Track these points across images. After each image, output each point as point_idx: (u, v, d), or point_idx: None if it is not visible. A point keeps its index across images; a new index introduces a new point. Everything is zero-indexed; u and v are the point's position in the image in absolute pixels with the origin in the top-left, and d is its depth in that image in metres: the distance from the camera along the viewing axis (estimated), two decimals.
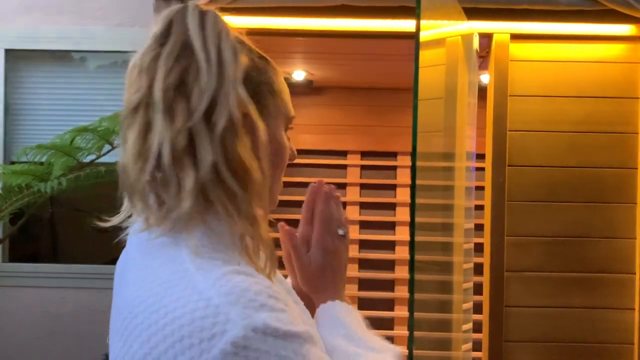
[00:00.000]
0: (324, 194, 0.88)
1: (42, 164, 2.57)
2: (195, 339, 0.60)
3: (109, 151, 2.69)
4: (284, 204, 3.58)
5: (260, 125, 0.69)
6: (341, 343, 0.76)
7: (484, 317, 2.13)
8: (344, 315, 0.81)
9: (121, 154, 0.68)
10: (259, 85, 0.72)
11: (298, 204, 3.38)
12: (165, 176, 0.65)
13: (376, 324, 2.96)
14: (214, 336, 0.60)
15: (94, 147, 2.59)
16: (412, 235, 1.87)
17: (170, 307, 0.63)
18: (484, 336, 2.12)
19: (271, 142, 0.73)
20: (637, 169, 2.09)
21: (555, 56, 2.10)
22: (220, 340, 0.60)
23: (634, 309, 2.08)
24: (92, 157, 2.68)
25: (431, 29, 2.09)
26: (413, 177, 1.88)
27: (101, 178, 2.52)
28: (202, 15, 0.68)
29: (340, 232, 0.85)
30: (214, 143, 0.64)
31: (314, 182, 0.90)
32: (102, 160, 2.72)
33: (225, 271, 0.64)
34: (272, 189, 0.75)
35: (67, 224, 3.57)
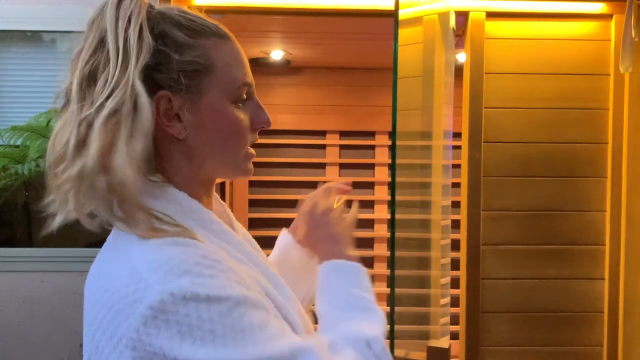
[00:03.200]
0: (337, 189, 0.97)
1: (17, 146, 2.53)
2: (122, 305, 0.63)
3: None
4: (265, 184, 3.60)
5: (146, 108, 0.68)
6: (326, 308, 0.78)
7: (461, 291, 2.19)
8: (331, 276, 0.82)
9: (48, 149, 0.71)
10: (179, 66, 0.71)
11: (279, 184, 3.42)
12: (67, 164, 0.67)
13: None
14: (135, 301, 0.62)
15: None
16: (392, 213, 1.90)
17: (107, 277, 0.67)
18: (461, 308, 2.18)
19: (211, 118, 0.73)
20: (608, 143, 2.15)
21: (529, 34, 2.13)
22: (140, 304, 0.62)
23: (604, 279, 2.16)
24: None
25: (409, 7, 2.10)
26: (393, 156, 1.91)
27: None
28: (119, 2, 0.70)
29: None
30: (105, 133, 0.65)
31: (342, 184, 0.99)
32: None
33: (161, 242, 0.66)
34: (230, 160, 0.77)
35: (42, 209, 3.53)
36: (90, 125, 0.66)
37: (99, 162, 0.65)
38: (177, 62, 0.71)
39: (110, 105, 0.66)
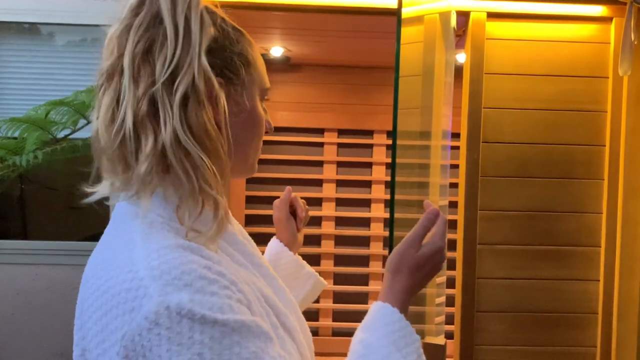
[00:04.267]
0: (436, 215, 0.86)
1: (15, 138, 2.53)
2: (120, 310, 0.61)
3: (84, 126, 2.65)
4: (262, 181, 3.61)
5: (222, 96, 0.70)
6: (356, 345, 0.74)
7: (456, 290, 2.19)
8: (380, 319, 0.76)
9: (94, 122, 0.70)
10: (231, 55, 0.73)
11: (276, 181, 3.42)
12: (129, 140, 0.66)
13: (351, 298, 3.05)
14: (133, 309, 0.60)
15: (69, 121, 2.55)
16: (391, 212, 1.91)
17: (108, 276, 0.64)
18: (456, 307, 2.19)
19: (245, 111, 0.75)
20: (605, 146, 2.16)
21: (530, 35, 2.14)
22: (138, 314, 0.60)
23: (599, 280, 2.17)
24: (67, 131, 2.64)
25: (410, 5, 2.11)
26: (393, 155, 1.91)
27: (77, 152, 2.49)
28: None
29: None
30: (175, 109, 0.65)
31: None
32: (77, 135, 2.68)
33: (166, 244, 0.64)
34: (248, 157, 0.78)
35: (38, 202, 3.52)
36: (152, 102, 0.65)
37: (175, 139, 0.65)
38: (231, 52, 0.73)
39: (181, 85, 0.65)
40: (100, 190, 0.72)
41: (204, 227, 0.67)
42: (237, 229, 0.84)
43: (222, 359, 0.60)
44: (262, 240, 0.91)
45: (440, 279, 2.13)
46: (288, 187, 1.04)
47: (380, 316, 0.76)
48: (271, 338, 0.65)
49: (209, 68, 0.68)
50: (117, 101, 0.67)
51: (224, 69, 0.72)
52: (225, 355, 0.60)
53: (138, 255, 0.63)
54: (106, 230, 0.74)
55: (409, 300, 0.79)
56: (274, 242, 1.01)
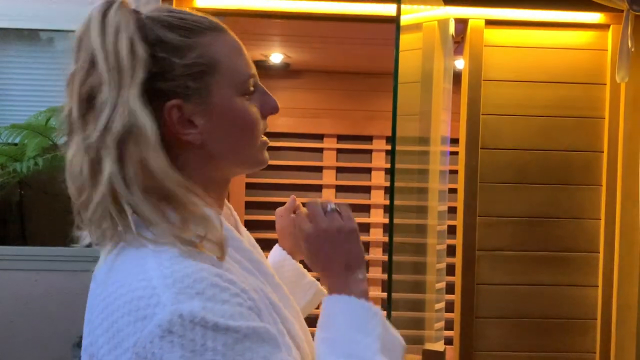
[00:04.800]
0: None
1: (15, 144, 2.53)
2: (132, 318, 0.61)
3: None
4: (262, 187, 3.62)
5: (186, 115, 0.68)
6: (320, 347, 0.73)
7: (455, 296, 2.20)
8: (333, 313, 0.75)
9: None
10: (181, 70, 0.69)
11: (276, 186, 3.42)
12: (89, 195, 0.66)
13: None
14: (146, 317, 0.61)
15: None
16: (390, 218, 1.91)
17: (120, 283, 0.64)
18: (455, 313, 2.19)
19: (219, 116, 0.71)
20: (603, 152, 2.17)
21: (527, 42, 2.15)
22: (150, 322, 0.60)
23: (597, 286, 2.17)
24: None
25: (409, 13, 2.12)
26: (392, 161, 1.92)
27: None
28: (104, 16, 0.67)
29: (331, 205, 0.79)
30: (114, 153, 0.64)
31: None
32: None
33: (177, 253, 0.64)
34: (246, 154, 0.75)
35: (37, 208, 3.52)
36: (98, 151, 0.65)
37: (110, 187, 0.64)
38: (179, 67, 0.68)
39: (114, 128, 0.64)
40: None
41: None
42: (245, 236, 0.84)
43: None
44: (261, 246, 0.92)
45: (440, 284, 2.13)
46: (292, 196, 1.01)
47: (329, 309, 0.75)
48: (279, 344, 0.66)
49: (141, 105, 0.65)
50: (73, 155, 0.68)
51: (175, 89, 0.68)
52: None
53: (150, 263, 0.64)
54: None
55: (348, 274, 0.75)
56: (276, 250, 1.00)
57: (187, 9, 0.75)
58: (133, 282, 0.63)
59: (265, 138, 0.78)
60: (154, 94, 0.66)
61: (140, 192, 0.65)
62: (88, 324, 0.68)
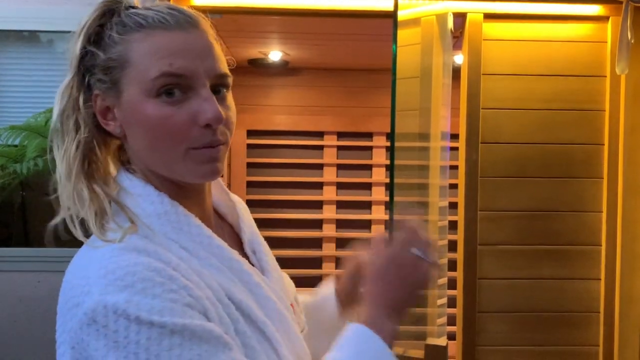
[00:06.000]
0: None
1: (15, 146, 2.53)
2: (69, 305, 0.65)
3: None
4: (262, 185, 3.61)
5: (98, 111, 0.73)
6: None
7: (457, 291, 2.19)
8: (353, 343, 0.73)
9: None
10: (100, 65, 0.71)
11: (276, 184, 3.41)
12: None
13: None
14: (78, 305, 0.64)
15: None
16: (391, 213, 1.90)
17: (68, 279, 0.69)
18: (458, 308, 2.18)
19: (132, 115, 0.70)
20: (603, 145, 2.16)
21: (527, 35, 2.15)
22: (80, 309, 0.63)
23: (600, 279, 2.17)
24: None
25: (407, 8, 2.11)
26: (392, 157, 1.92)
27: None
28: (81, 30, 0.73)
29: (417, 251, 0.76)
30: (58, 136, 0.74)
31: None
32: None
33: (123, 246, 0.66)
34: (172, 160, 0.70)
35: (39, 209, 3.52)
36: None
37: (58, 167, 0.72)
38: (101, 61, 0.71)
39: (56, 108, 0.73)
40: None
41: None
42: (248, 232, 0.84)
43: (158, 359, 0.61)
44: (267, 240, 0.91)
45: (442, 280, 2.13)
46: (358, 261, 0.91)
47: (350, 335, 0.74)
48: (226, 344, 0.64)
49: (75, 89, 0.72)
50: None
51: (97, 81, 0.72)
52: (163, 356, 0.61)
53: (96, 255, 0.67)
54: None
55: (386, 316, 0.74)
56: (329, 289, 0.93)
57: (185, 7, 0.75)
58: (76, 272, 0.68)
59: (204, 149, 0.70)
60: (88, 86, 0.73)
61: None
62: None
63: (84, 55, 0.72)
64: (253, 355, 0.68)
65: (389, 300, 0.75)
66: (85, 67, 0.72)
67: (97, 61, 0.72)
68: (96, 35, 0.72)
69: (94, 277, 0.64)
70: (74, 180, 0.70)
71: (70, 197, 0.70)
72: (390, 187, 1.92)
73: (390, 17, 1.88)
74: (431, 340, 1.58)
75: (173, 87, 0.68)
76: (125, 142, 0.75)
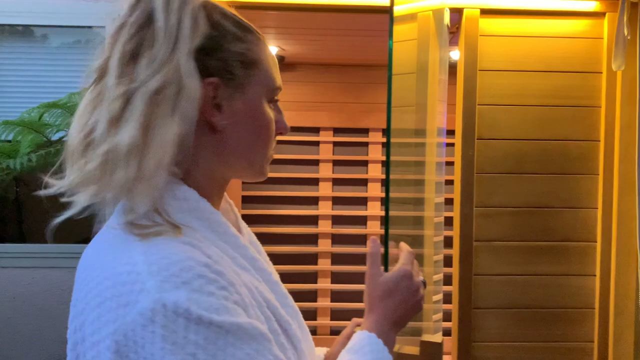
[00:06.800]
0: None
1: (9, 141, 2.52)
2: (114, 304, 0.60)
3: None
4: (259, 183, 3.52)
5: (216, 96, 0.69)
6: None
7: (453, 287, 2.19)
8: (365, 350, 0.78)
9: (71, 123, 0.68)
10: (228, 55, 0.70)
11: (272, 180, 3.41)
12: (98, 141, 0.64)
13: (349, 296, 3.04)
14: (128, 304, 0.59)
15: (62, 123, 2.54)
16: (386, 210, 1.90)
17: (102, 268, 0.63)
18: (453, 304, 2.19)
19: (244, 113, 0.72)
20: (600, 141, 2.16)
21: (523, 31, 2.14)
22: (133, 309, 0.58)
23: (595, 275, 2.17)
24: (61, 133, 2.63)
25: (403, 3, 2.10)
26: (387, 153, 1.91)
27: None
28: None
29: (422, 278, 0.87)
30: (141, 112, 0.63)
31: None
32: None
33: (166, 240, 0.63)
34: (253, 161, 0.74)
35: (34, 205, 3.51)
36: (127, 101, 0.63)
37: (134, 140, 0.62)
38: (229, 52, 0.70)
39: (154, 82, 0.63)
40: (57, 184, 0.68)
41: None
42: (246, 233, 0.83)
43: (216, 359, 0.59)
44: (259, 239, 0.90)
45: (437, 276, 2.13)
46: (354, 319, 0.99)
47: (364, 343, 0.79)
48: (270, 340, 0.64)
49: (192, 69, 0.65)
50: (95, 104, 0.66)
51: (220, 69, 0.69)
52: (219, 356, 0.59)
53: (138, 248, 0.62)
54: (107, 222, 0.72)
55: (391, 330, 0.82)
56: (320, 356, 0.97)
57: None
58: (117, 266, 0.62)
59: (272, 153, 0.78)
60: (198, 67, 0.67)
61: (155, 162, 0.63)
62: (73, 308, 0.67)
63: (196, 33, 0.67)
64: (283, 352, 0.69)
65: (396, 316, 0.82)
66: (199, 48, 0.67)
67: (222, 49, 0.69)
68: (211, 22, 0.69)
69: (144, 272, 0.59)
70: (161, 170, 0.64)
71: (153, 187, 0.64)
72: (386, 183, 1.92)
73: (386, 12, 1.88)
74: (427, 337, 1.58)
75: (275, 97, 0.77)
76: (213, 135, 0.71)
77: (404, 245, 0.90)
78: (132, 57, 0.65)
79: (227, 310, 0.61)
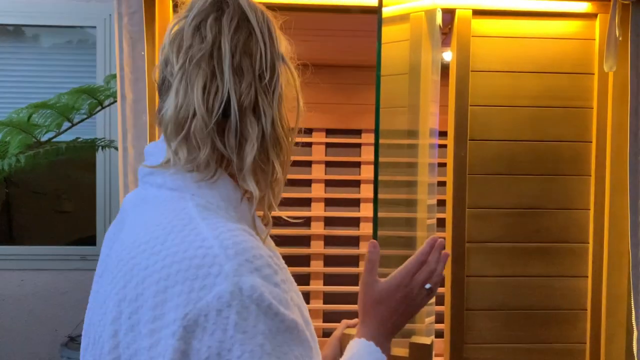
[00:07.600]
0: (438, 244, 0.89)
1: None
2: (185, 287, 0.57)
3: (68, 129, 2.61)
4: None
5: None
6: None
7: (446, 289, 2.19)
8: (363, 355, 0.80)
9: (173, 102, 0.69)
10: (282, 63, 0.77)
11: None
12: (233, 126, 0.69)
13: (342, 298, 3.03)
14: (204, 287, 0.57)
15: (52, 124, 2.51)
16: (375, 211, 1.90)
17: (171, 251, 0.60)
18: (446, 306, 2.18)
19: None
20: (592, 142, 2.17)
21: (515, 32, 2.14)
22: (209, 292, 0.56)
23: (587, 277, 2.17)
24: (50, 134, 2.61)
25: (395, 4, 2.10)
26: (376, 154, 1.91)
27: (61, 155, 2.45)
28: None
29: (428, 285, 0.86)
30: (274, 105, 0.72)
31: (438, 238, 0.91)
32: (61, 138, 2.64)
33: (233, 227, 0.63)
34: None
35: (24, 206, 3.47)
36: (257, 94, 0.70)
37: (277, 134, 0.72)
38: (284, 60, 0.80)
39: (277, 85, 0.73)
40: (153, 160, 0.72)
41: (259, 223, 0.70)
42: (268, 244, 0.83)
43: (280, 352, 0.58)
44: None
45: None
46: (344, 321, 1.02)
47: (363, 352, 0.79)
48: (311, 348, 0.64)
49: (291, 74, 0.76)
50: (211, 84, 0.69)
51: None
52: (275, 353, 0.57)
53: (207, 232, 0.60)
54: (135, 214, 0.69)
55: (386, 335, 0.83)
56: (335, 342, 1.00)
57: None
58: (189, 249, 0.59)
59: None
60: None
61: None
62: (116, 295, 0.62)
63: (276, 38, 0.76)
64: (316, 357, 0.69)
65: (392, 323, 0.84)
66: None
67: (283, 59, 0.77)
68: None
69: (220, 256, 0.58)
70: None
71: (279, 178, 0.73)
72: (374, 185, 1.91)
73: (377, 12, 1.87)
74: (416, 339, 1.57)
75: None
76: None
77: (425, 250, 0.88)
78: (244, 50, 0.74)
79: (288, 305, 0.60)
